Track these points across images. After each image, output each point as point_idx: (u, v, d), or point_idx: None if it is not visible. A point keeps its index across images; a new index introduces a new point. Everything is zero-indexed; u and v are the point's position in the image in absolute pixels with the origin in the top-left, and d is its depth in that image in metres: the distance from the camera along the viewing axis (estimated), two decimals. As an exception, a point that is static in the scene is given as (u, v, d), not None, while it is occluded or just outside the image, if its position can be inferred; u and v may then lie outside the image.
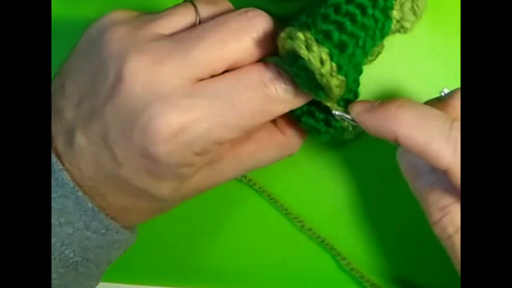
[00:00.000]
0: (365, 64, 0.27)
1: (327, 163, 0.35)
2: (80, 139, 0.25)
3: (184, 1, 0.27)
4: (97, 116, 0.25)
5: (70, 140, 0.26)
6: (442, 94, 0.26)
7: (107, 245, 0.27)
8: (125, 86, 0.24)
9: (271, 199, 0.35)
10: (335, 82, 0.24)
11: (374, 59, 0.28)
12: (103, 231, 0.27)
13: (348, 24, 0.23)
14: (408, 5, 0.25)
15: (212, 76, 0.25)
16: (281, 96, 0.25)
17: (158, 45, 0.25)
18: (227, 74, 0.25)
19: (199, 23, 0.26)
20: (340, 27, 0.23)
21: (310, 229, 0.35)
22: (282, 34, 0.24)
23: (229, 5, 0.28)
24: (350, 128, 0.28)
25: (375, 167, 0.34)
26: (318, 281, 0.35)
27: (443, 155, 0.23)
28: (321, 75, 0.23)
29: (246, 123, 0.25)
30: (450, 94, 0.26)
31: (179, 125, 0.24)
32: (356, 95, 0.28)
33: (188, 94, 0.24)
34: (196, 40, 0.24)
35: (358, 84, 0.28)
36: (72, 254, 0.26)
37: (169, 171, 0.25)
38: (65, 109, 0.26)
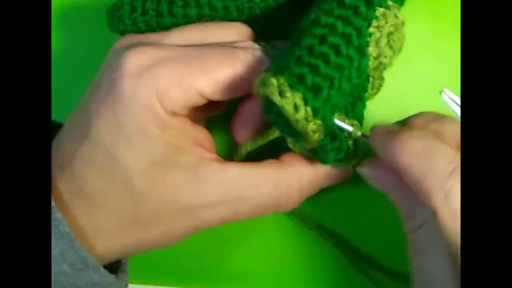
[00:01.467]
0: (368, 99, 0.27)
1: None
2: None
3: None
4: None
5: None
6: (442, 94, 0.26)
7: (86, 287, 0.25)
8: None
9: None
10: (312, 127, 0.23)
11: (376, 93, 0.27)
12: (80, 265, 0.24)
13: (321, 66, 0.22)
14: (384, 40, 0.24)
15: None
16: (250, 51, 0.25)
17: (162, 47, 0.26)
18: None
19: None
20: (314, 70, 0.22)
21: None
22: (256, 81, 0.23)
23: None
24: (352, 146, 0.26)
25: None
26: (323, 278, 0.35)
27: (434, 196, 0.22)
28: (296, 121, 0.22)
29: (212, 75, 0.24)
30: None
31: (148, 60, 0.24)
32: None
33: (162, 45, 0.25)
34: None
35: (362, 116, 0.27)
36: None
37: (137, 124, 0.24)
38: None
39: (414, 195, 0.23)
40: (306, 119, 0.22)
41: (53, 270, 0.24)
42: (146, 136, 0.24)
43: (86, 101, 0.26)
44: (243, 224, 0.36)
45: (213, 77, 0.24)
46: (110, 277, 0.26)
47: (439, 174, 0.22)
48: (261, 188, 0.26)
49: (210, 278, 0.36)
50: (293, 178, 0.27)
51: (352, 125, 0.25)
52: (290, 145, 0.27)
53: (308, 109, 0.22)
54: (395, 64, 0.33)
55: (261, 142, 0.28)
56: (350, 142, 0.26)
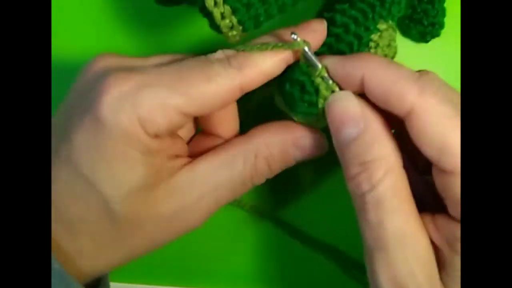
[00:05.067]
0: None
1: (319, 168, 0.35)
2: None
3: None
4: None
5: None
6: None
7: None
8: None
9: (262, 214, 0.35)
10: (226, 24, 0.24)
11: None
12: None
13: None
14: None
15: None
16: (226, 69, 0.25)
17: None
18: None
19: None
20: None
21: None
22: None
23: None
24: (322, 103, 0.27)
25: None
26: (323, 278, 0.36)
27: (407, 93, 0.23)
28: (213, 14, 0.24)
29: (193, 93, 0.24)
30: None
31: (129, 85, 0.24)
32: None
33: (142, 68, 0.25)
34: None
35: None
36: None
37: (115, 145, 0.24)
38: None
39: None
40: (222, 15, 0.24)
41: None
42: (127, 161, 0.24)
43: (64, 124, 0.25)
44: (243, 224, 0.36)
45: (193, 95, 0.24)
46: None
47: (408, 77, 0.23)
48: (233, 170, 0.27)
49: (208, 277, 0.37)
50: (259, 148, 0.27)
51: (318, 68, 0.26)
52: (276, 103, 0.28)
53: (227, 7, 0.24)
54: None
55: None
56: (321, 99, 0.27)
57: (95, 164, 0.24)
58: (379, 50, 0.27)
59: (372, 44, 0.27)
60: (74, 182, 0.24)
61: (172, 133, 0.26)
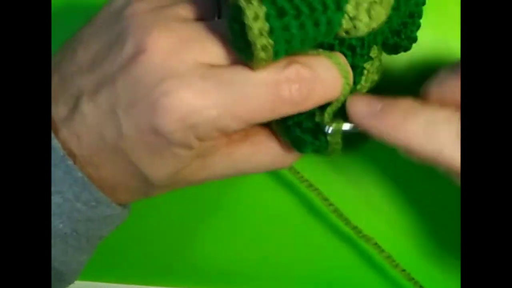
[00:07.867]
0: (356, 90, 0.28)
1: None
2: (86, 106, 0.25)
3: None
4: (109, 84, 0.25)
5: (74, 106, 0.26)
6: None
7: (98, 219, 0.27)
8: (145, 57, 0.24)
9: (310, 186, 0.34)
10: (262, 42, 0.23)
11: (370, 87, 0.28)
12: (93, 203, 0.26)
13: None
14: (365, 6, 0.25)
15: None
16: (294, 97, 0.25)
17: (184, 27, 0.25)
18: (244, 65, 0.25)
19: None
20: None
21: (355, 228, 0.34)
22: None
23: None
24: (337, 145, 0.27)
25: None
26: (322, 279, 0.36)
27: (457, 160, 0.23)
28: (250, 28, 0.23)
29: (253, 117, 0.25)
30: (445, 79, 0.26)
31: (189, 108, 0.24)
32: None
33: (203, 77, 0.24)
34: (224, 34, 0.25)
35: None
36: (61, 225, 0.26)
37: (168, 149, 0.25)
38: (74, 75, 0.26)
39: None
40: (260, 32, 0.23)
41: (67, 209, 0.26)
42: (174, 157, 0.26)
43: (109, 104, 0.25)
44: (243, 224, 0.36)
45: (251, 120, 0.25)
46: (119, 209, 0.28)
47: (451, 140, 0.23)
48: (261, 165, 0.29)
49: (208, 278, 0.37)
50: (289, 159, 0.30)
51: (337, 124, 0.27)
52: (285, 134, 0.28)
53: (266, 24, 0.23)
54: (396, 71, 0.33)
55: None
56: (333, 139, 0.27)
57: (144, 157, 0.26)
58: (369, 76, 0.27)
59: (364, 71, 0.27)
60: (122, 164, 0.26)
61: None
